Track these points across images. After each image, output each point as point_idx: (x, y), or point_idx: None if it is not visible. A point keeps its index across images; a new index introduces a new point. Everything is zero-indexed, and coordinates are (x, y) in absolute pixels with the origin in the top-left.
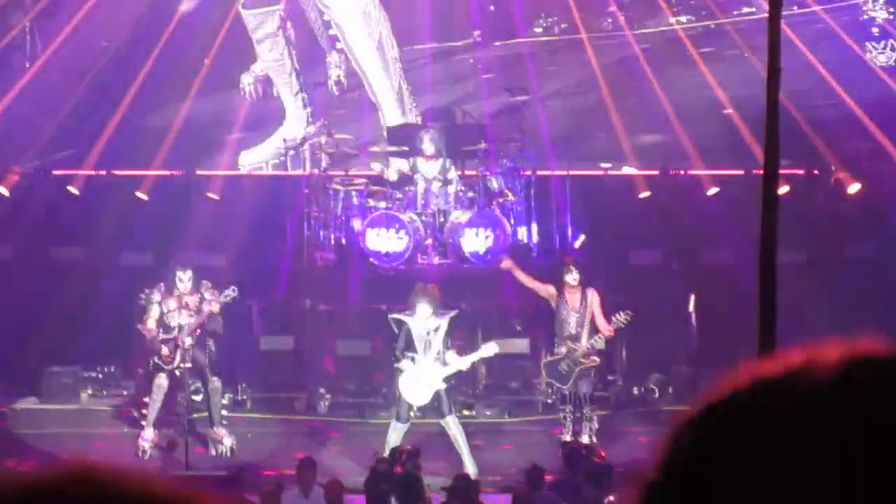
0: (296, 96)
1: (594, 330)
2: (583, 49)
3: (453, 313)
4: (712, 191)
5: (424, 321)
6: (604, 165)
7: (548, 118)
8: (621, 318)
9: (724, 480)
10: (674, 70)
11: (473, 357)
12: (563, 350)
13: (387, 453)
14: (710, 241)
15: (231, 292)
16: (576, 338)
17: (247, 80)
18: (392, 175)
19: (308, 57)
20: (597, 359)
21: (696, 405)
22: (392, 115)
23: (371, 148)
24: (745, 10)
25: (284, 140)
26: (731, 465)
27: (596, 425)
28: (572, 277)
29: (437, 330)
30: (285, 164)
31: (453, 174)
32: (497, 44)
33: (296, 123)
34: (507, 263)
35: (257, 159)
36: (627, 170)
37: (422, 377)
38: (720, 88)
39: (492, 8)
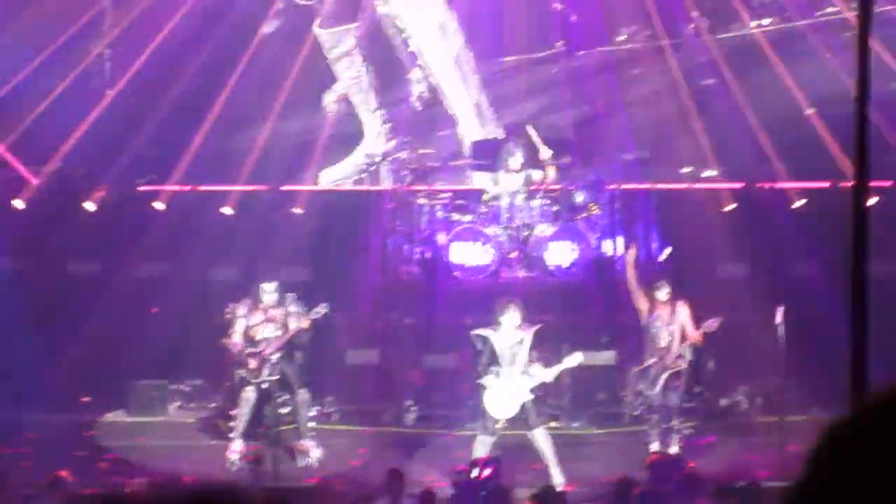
0: (374, 113)
1: (683, 341)
2: (665, 56)
3: (537, 326)
4: (798, 203)
5: (508, 335)
6: (686, 170)
7: (632, 128)
8: (711, 324)
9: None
10: (756, 75)
11: (559, 368)
12: (653, 360)
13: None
14: (797, 253)
15: (322, 309)
16: (666, 349)
17: (329, 99)
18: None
19: (387, 73)
20: (683, 364)
21: (838, 419)
22: (470, 128)
23: (454, 162)
24: (829, 9)
25: (364, 157)
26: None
27: (683, 436)
28: (663, 293)
29: (521, 343)
30: (364, 182)
31: (538, 177)
32: (580, 54)
33: (375, 140)
34: (631, 254)
35: (337, 177)
36: (707, 174)
37: (508, 391)
38: (802, 93)
39: (574, 18)
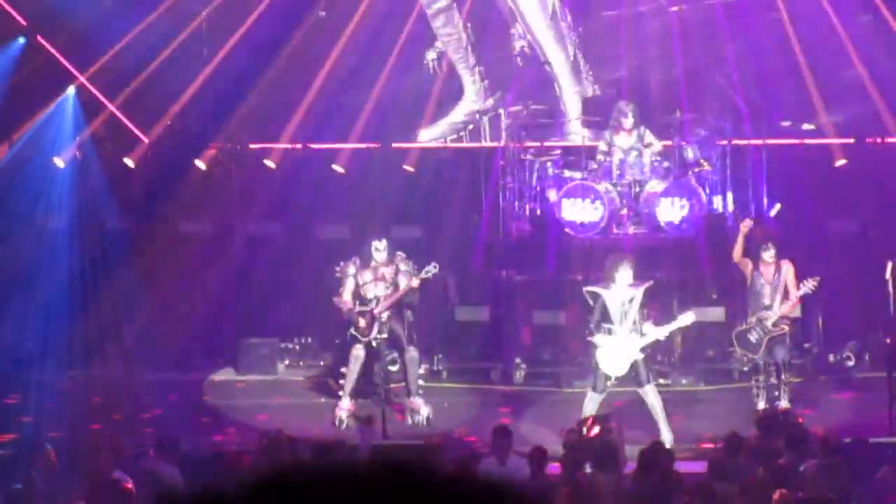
0: (472, 70)
1: (786, 300)
2: (775, 8)
3: (648, 284)
4: None
5: (620, 292)
6: (806, 127)
7: (742, 82)
8: (809, 283)
9: None
10: (866, 29)
11: (671, 327)
12: (754, 320)
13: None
14: None
15: (432, 268)
16: (768, 308)
17: (430, 56)
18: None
19: (490, 29)
20: (786, 327)
21: None
22: (567, 85)
23: (566, 119)
24: None
25: (463, 115)
26: None
27: (792, 392)
28: (769, 254)
29: (631, 301)
30: (463, 139)
31: (650, 137)
32: (680, 8)
33: (473, 97)
34: (745, 226)
35: (435, 135)
36: (807, 128)
37: (619, 348)
38: None
39: None
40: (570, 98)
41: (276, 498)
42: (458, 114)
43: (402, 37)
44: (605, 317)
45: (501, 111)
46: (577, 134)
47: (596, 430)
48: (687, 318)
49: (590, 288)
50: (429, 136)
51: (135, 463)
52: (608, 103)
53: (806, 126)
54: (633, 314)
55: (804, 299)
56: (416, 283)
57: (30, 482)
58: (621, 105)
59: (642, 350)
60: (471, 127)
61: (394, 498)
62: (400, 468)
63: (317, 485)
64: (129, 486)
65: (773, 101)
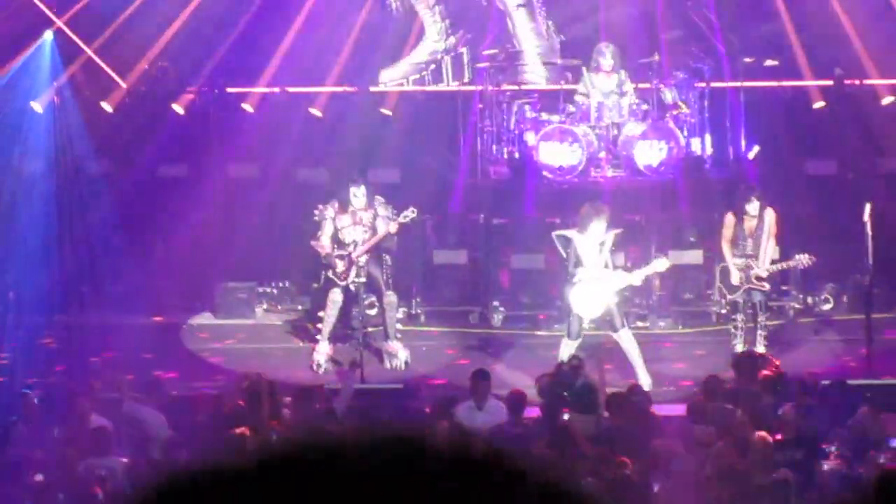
0: (432, 9)
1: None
2: None
3: (618, 231)
4: (887, 100)
5: (591, 236)
6: (769, 63)
7: (720, 23)
8: (804, 259)
9: None
10: None
11: (645, 271)
12: (741, 262)
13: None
14: (886, 150)
15: (410, 213)
16: (751, 257)
17: None
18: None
19: None
20: (767, 285)
21: None
22: (522, 22)
23: (543, 61)
24: None
25: (427, 55)
26: None
27: (769, 334)
28: (752, 207)
29: (602, 244)
30: (425, 80)
31: (629, 87)
32: None
33: (435, 37)
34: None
35: (397, 76)
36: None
37: (593, 292)
38: None
39: None
40: (526, 36)
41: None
42: (420, 54)
43: None
44: (578, 261)
45: (464, 50)
46: (536, 74)
47: (566, 368)
48: (661, 265)
49: (560, 232)
50: (390, 76)
51: (116, 407)
52: (586, 45)
53: (769, 62)
54: (604, 257)
55: (783, 243)
56: (393, 227)
57: (8, 427)
58: (601, 46)
59: (616, 294)
60: (433, 67)
61: (386, 483)
62: (387, 448)
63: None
64: (108, 428)
65: (750, 43)
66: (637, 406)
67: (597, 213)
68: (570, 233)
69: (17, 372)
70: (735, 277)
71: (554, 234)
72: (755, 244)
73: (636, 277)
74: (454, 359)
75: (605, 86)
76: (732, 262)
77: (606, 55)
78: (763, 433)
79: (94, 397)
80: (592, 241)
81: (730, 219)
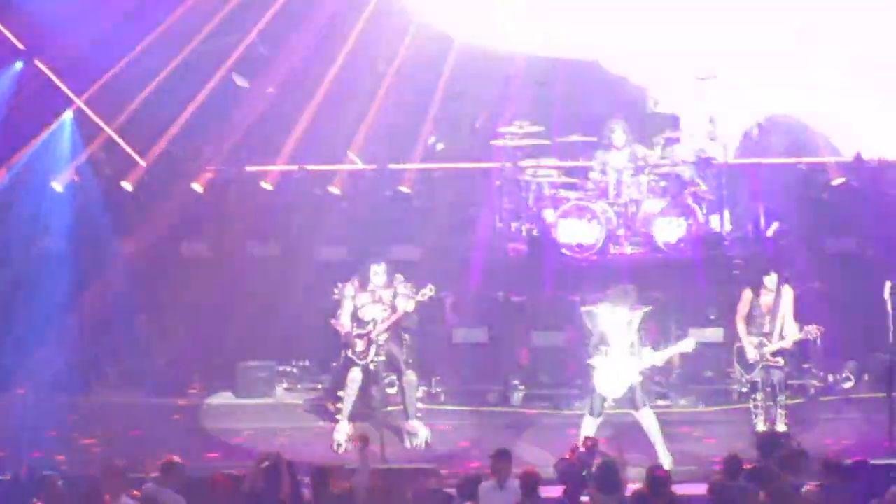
0: None
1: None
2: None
3: (647, 308)
4: None
5: (618, 314)
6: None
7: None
8: (813, 331)
9: None
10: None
11: (670, 351)
12: (755, 341)
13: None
14: None
15: (428, 291)
16: (767, 335)
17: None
18: (596, 175)
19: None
20: (781, 360)
21: None
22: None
23: (561, 139)
24: None
25: None
26: None
27: (789, 413)
28: (770, 280)
29: (629, 323)
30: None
31: (644, 151)
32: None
33: None
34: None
35: None
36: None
37: (616, 370)
38: None
39: None
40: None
41: None
42: None
43: (398, 59)
44: (603, 339)
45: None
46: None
47: (582, 450)
48: (687, 345)
49: (587, 308)
50: None
51: (138, 489)
52: (603, 122)
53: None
54: (630, 336)
55: (803, 321)
56: (410, 306)
57: None
58: (611, 123)
59: (640, 373)
60: None
61: None
62: None
63: None
64: None
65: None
66: (659, 485)
67: (625, 294)
68: (598, 309)
69: (40, 452)
70: (750, 354)
71: (582, 308)
72: (772, 322)
73: (661, 357)
74: (475, 438)
75: (618, 162)
76: (747, 340)
77: (616, 131)
78: None
79: (122, 479)
80: (620, 319)
81: (747, 294)
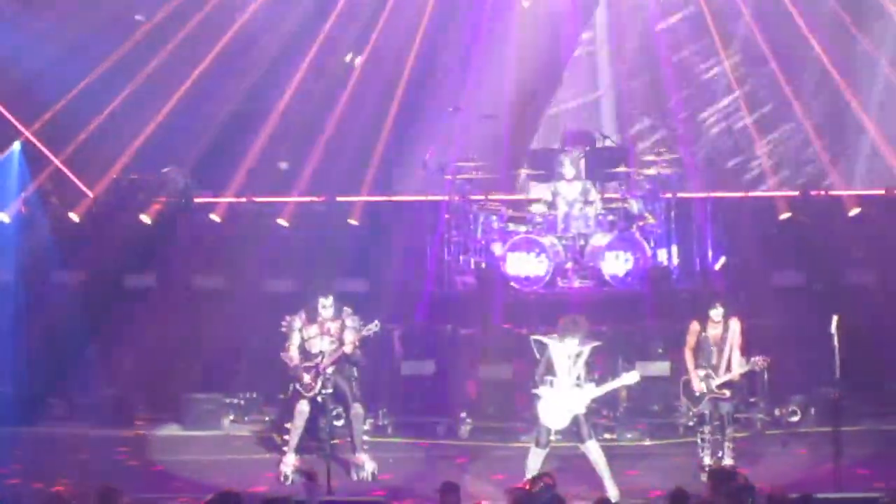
0: None
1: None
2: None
3: (596, 343)
4: (854, 211)
5: (568, 346)
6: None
7: (686, 139)
8: (759, 362)
9: None
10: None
11: (614, 384)
12: (702, 374)
13: (526, 478)
14: (853, 261)
15: (374, 326)
16: (714, 367)
17: None
18: (539, 208)
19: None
20: (728, 392)
21: None
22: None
23: (512, 172)
24: None
25: None
26: None
27: (736, 447)
28: (716, 313)
29: (578, 356)
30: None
31: (595, 196)
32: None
33: None
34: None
35: None
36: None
37: (561, 402)
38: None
39: None
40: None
41: None
42: None
43: (347, 91)
44: (550, 369)
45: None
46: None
47: (540, 485)
48: (631, 378)
49: (538, 337)
50: None
51: None
52: (553, 155)
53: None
54: (578, 369)
55: (750, 354)
56: (349, 348)
57: None
58: (561, 156)
59: (584, 405)
60: None
61: None
62: None
63: None
64: None
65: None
66: None
67: (575, 325)
68: (547, 340)
69: None
70: (697, 386)
71: (532, 338)
72: (719, 354)
73: (603, 389)
74: (422, 470)
75: (569, 194)
76: (695, 372)
77: (566, 163)
78: None
79: None
80: (567, 350)
81: (694, 326)
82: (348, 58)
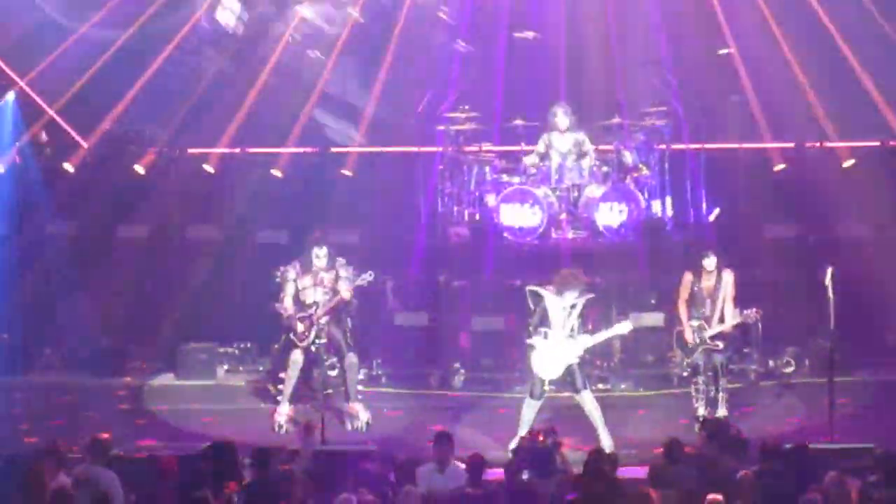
0: None
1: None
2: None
3: (590, 296)
4: (848, 163)
5: (562, 298)
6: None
7: (682, 89)
8: (752, 315)
9: None
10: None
11: (606, 334)
12: (695, 324)
13: (520, 429)
14: (846, 213)
15: (368, 276)
16: (708, 319)
17: None
18: (532, 159)
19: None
20: (721, 344)
21: None
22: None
23: (505, 123)
24: None
25: None
26: None
27: (729, 397)
28: (709, 262)
29: (573, 307)
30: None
31: (588, 147)
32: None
33: None
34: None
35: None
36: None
37: (554, 352)
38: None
39: None
40: None
41: None
42: None
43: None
44: (544, 320)
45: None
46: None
47: (549, 440)
48: (623, 327)
49: (533, 288)
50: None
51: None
52: (545, 107)
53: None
54: (572, 321)
55: (744, 306)
56: (347, 294)
57: None
58: (555, 107)
59: (577, 355)
60: None
61: None
62: None
63: None
64: (68, 489)
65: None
66: (602, 469)
67: (573, 277)
68: (543, 291)
69: None
70: (690, 338)
71: (527, 288)
72: (712, 305)
73: (596, 339)
74: (415, 421)
75: (562, 145)
76: (687, 324)
77: (559, 114)
78: (719, 497)
79: (58, 459)
80: (564, 303)
81: (687, 277)
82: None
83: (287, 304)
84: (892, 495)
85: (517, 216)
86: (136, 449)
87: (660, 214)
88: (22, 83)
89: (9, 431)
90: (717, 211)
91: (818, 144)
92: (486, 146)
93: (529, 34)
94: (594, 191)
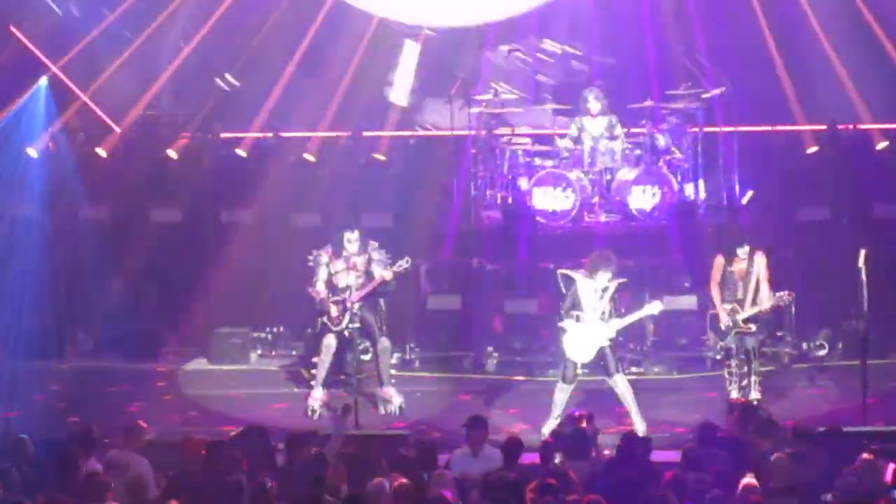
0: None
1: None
2: (749, 4)
3: (622, 280)
4: (881, 145)
5: (594, 281)
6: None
7: (714, 73)
8: (784, 297)
9: None
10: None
11: (637, 315)
12: (728, 307)
13: (552, 412)
14: (880, 195)
15: (405, 262)
16: (741, 302)
17: None
18: (566, 143)
19: None
20: (753, 327)
21: None
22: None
23: (536, 107)
24: None
25: None
26: None
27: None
28: (742, 251)
29: (605, 290)
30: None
31: (619, 131)
32: None
33: None
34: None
35: None
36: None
37: (586, 336)
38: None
39: None
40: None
41: None
42: None
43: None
44: (576, 303)
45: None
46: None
47: (592, 427)
48: (654, 308)
49: (565, 271)
50: None
51: (104, 452)
52: (578, 90)
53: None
54: (604, 304)
55: (777, 288)
56: (388, 275)
57: (6, 474)
58: (586, 91)
59: (610, 339)
60: None
61: None
62: None
63: None
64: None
65: (743, 88)
66: (635, 452)
67: (605, 260)
68: (575, 274)
69: (12, 417)
70: (723, 321)
71: (559, 271)
72: (745, 288)
73: (628, 320)
74: (448, 405)
75: (595, 129)
76: (721, 307)
77: (590, 99)
78: (752, 480)
79: (90, 443)
80: (596, 286)
81: (719, 260)
82: None
83: (319, 288)
84: None
85: (550, 199)
86: (168, 434)
87: (692, 197)
88: (54, 68)
89: (44, 415)
90: (750, 193)
91: (851, 127)
92: (519, 129)
93: None
94: (627, 174)
